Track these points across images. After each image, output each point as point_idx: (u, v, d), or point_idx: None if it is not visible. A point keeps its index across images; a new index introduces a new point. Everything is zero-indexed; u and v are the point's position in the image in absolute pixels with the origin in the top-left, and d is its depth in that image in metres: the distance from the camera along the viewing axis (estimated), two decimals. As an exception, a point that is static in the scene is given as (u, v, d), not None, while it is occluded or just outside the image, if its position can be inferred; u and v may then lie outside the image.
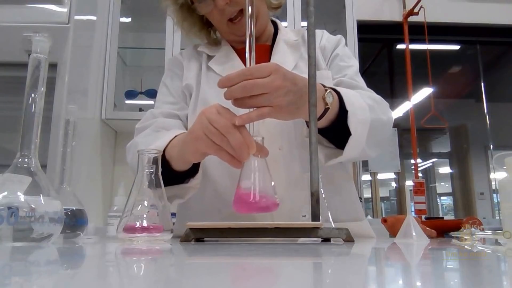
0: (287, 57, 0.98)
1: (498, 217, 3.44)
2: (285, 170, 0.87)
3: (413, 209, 2.26)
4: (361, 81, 0.95)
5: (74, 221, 0.73)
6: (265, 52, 0.99)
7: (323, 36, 1.03)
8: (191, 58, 1.03)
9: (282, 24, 1.08)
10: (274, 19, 1.08)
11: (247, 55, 0.70)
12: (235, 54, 1.00)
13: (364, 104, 0.78)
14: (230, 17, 0.92)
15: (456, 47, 3.32)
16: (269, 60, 0.97)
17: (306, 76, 0.70)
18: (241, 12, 0.91)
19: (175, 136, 0.81)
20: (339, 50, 1.00)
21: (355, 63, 0.99)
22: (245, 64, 0.94)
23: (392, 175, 4.01)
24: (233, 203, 0.68)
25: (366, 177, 2.97)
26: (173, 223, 0.77)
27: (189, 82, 0.98)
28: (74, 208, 0.75)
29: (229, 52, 1.00)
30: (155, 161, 0.67)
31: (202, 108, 0.90)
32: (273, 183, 0.69)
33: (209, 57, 1.01)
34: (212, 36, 1.06)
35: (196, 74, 0.99)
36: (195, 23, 1.01)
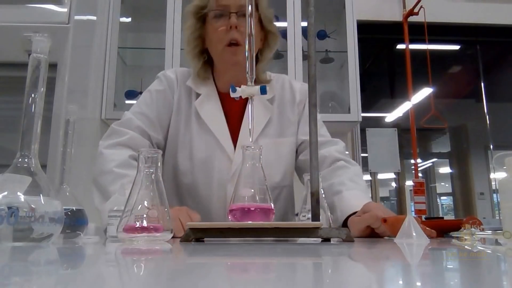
0: (260, 112, 1.06)
1: (498, 217, 3.44)
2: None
3: (413, 209, 2.26)
4: (326, 133, 1.13)
5: (74, 221, 0.73)
6: (239, 104, 1.08)
7: (292, 87, 1.14)
8: (182, 92, 1.10)
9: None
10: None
11: (247, 53, 0.73)
12: (217, 96, 1.09)
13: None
14: (229, 42, 1.01)
15: (456, 47, 3.32)
16: (243, 112, 1.07)
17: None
18: (237, 45, 1.01)
19: None
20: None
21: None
22: (223, 109, 1.06)
23: (392, 175, 4.01)
24: (228, 213, 0.68)
25: (366, 177, 2.97)
26: None
27: (176, 123, 1.08)
28: (74, 208, 0.75)
29: (211, 93, 1.09)
30: (155, 161, 0.67)
31: (185, 149, 1.06)
32: (267, 189, 0.69)
33: (195, 95, 1.09)
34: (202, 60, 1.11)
35: (185, 111, 1.09)
36: (196, 39, 1.08)
